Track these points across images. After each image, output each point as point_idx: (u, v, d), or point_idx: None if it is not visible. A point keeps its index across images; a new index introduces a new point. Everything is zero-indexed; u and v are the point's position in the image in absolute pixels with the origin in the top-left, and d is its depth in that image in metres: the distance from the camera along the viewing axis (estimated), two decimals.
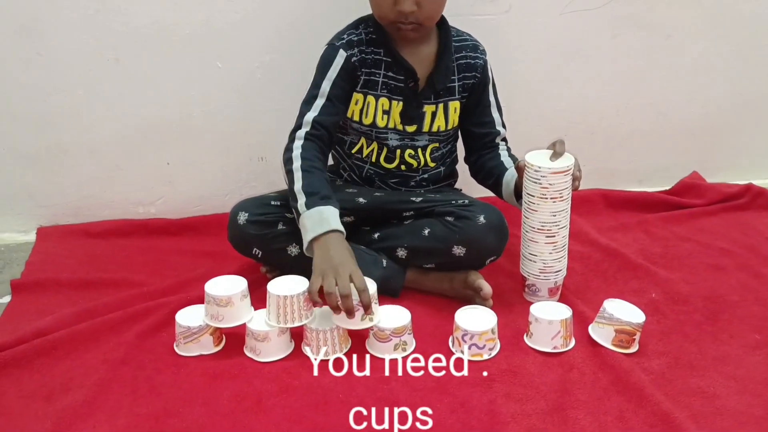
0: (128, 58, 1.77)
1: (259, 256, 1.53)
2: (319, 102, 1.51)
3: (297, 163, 1.45)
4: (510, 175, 1.57)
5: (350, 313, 1.31)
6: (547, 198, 1.43)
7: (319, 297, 1.31)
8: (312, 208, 1.39)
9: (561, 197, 1.44)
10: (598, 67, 2.01)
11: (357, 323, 1.35)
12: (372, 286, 1.37)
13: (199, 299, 1.42)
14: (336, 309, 1.31)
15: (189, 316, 1.39)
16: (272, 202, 1.52)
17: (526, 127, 1.94)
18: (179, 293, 1.55)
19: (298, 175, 1.44)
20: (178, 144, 1.88)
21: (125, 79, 1.79)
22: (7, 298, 1.58)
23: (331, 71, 1.52)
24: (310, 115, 1.50)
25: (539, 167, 1.42)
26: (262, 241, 1.50)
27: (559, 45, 1.97)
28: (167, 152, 1.89)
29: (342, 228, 1.39)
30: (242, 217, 1.49)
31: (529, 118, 1.99)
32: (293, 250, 1.50)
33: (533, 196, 1.45)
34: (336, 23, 1.77)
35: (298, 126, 1.51)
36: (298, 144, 1.48)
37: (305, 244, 1.39)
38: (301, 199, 1.41)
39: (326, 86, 1.51)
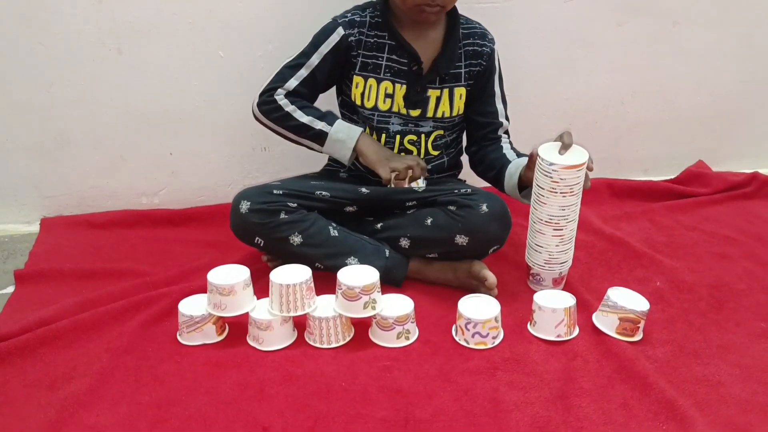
0: (130, 48, 1.77)
1: (261, 245, 1.52)
2: (303, 72, 1.55)
3: (290, 106, 1.54)
4: (514, 168, 1.56)
5: (419, 175, 1.54)
6: (557, 192, 1.42)
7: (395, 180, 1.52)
8: (335, 123, 1.54)
9: (571, 192, 1.42)
10: (603, 56, 2.00)
11: (360, 311, 1.35)
12: (374, 275, 1.37)
13: (202, 289, 1.43)
14: (404, 181, 1.53)
15: (192, 306, 1.39)
16: (275, 191, 1.51)
17: (531, 115, 1.93)
18: (182, 283, 1.55)
19: (298, 113, 1.54)
20: (181, 134, 1.88)
21: (128, 69, 1.79)
22: (10, 289, 1.58)
23: (324, 46, 1.55)
24: (293, 83, 1.55)
25: (552, 162, 1.39)
26: (265, 229, 1.49)
27: (565, 33, 1.95)
28: (170, 143, 1.89)
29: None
30: (245, 205, 1.49)
31: (534, 106, 1.98)
32: (295, 239, 1.49)
33: (543, 188, 1.43)
34: (338, 11, 1.77)
35: (275, 87, 1.55)
36: (280, 96, 1.55)
37: (349, 152, 1.53)
38: (318, 124, 1.53)
39: (315, 59, 1.55)
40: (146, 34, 1.76)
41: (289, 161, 1.92)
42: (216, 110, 1.87)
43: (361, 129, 1.54)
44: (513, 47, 1.85)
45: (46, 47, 1.74)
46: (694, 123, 2.13)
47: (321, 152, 1.57)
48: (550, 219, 1.45)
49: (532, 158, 1.46)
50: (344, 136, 1.53)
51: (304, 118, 1.54)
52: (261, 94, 1.57)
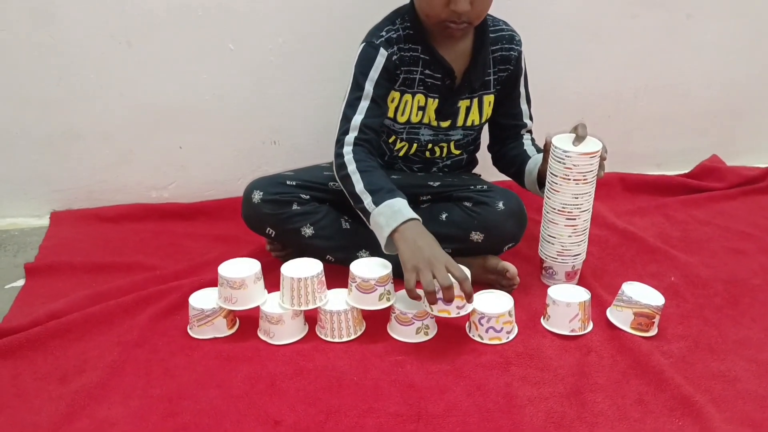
0: (140, 41, 1.76)
1: (273, 235, 1.51)
2: (364, 104, 1.45)
3: (352, 166, 1.40)
4: (533, 163, 1.55)
5: (450, 302, 1.27)
6: (570, 179, 1.41)
7: (416, 293, 1.28)
8: (381, 204, 1.35)
9: (585, 180, 1.41)
10: (616, 48, 1.98)
11: (375, 303, 1.34)
12: (388, 266, 1.36)
13: (213, 282, 1.42)
14: (434, 302, 1.28)
15: (202, 299, 1.38)
16: (288, 182, 1.50)
17: (543, 109, 1.90)
18: (192, 276, 1.55)
19: (356, 177, 1.39)
20: (190, 128, 1.87)
21: (137, 62, 1.78)
22: (21, 282, 1.58)
23: (372, 71, 1.45)
24: (358, 119, 1.44)
25: (567, 148, 1.39)
26: (276, 220, 1.48)
27: (577, 25, 1.93)
28: (180, 136, 1.88)
29: (418, 216, 1.35)
30: (257, 195, 1.48)
31: (545, 100, 1.94)
32: (307, 231, 1.48)
33: (556, 176, 1.43)
34: (349, 5, 1.76)
35: (344, 131, 1.44)
36: (348, 149, 1.42)
37: (383, 242, 1.34)
38: (367, 199, 1.37)
39: (369, 87, 1.45)
40: (156, 27, 1.75)
41: (298, 155, 1.91)
42: (226, 104, 1.86)
43: (408, 217, 1.33)
44: (524, 40, 1.82)
45: (55, 40, 1.73)
46: (707, 117, 2.11)
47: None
48: (563, 207, 1.44)
49: (546, 147, 1.45)
50: (384, 221, 1.33)
51: (358, 185, 1.38)
52: (335, 146, 1.45)
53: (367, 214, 1.37)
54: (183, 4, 1.74)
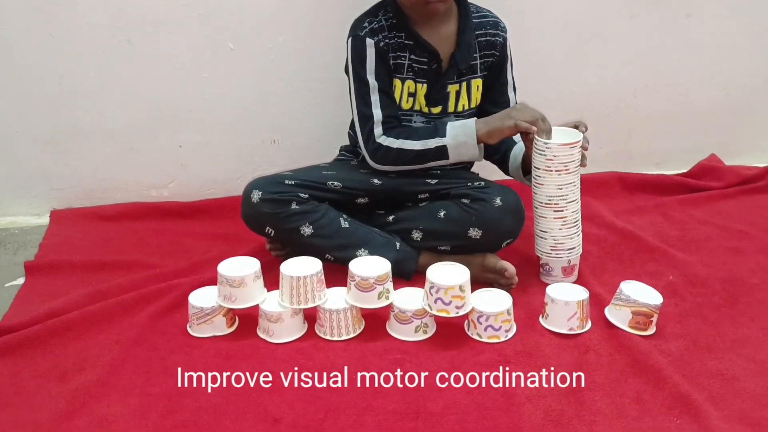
0: (141, 39, 1.77)
1: (272, 234, 1.52)
2: (375, 98, 1.51)
3: (397, 142, 1.50)
4: (518, 149, 1.57)
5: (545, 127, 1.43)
6: (552, 170, 1.43)
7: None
8: (446, 132, 1.49)
9: (566, 170, 1.43)
10: (616, 48, 1.98)
11: (374, 302, 1.35)
12: (386, 265, 1.37)
13: (212, 281, 1.42)
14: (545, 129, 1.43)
15: (202, 298, 1.39)
16: (286, 182, 1.51)
17: (543, 108, 1.90)
18: (192, 275, 1.55)
19: (408, 143, 1.50)
20: (190, 127, 1.88)
21: (138, 61, 1.78)
22: (21, 280, 1.58)
23: (369, 63, 1.50)
24: (378, 113, 1.51)
25: (546, 141, 1.42)
26: (275, 219, 1.49)
27: (576, 25, 1.94)
28: (180, 135, 1.89)
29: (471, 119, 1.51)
30: (256, 195, 1.48)
31: (545, 99, 1.95)
32: (306, 230, 1.49)
33: (539, 168, 1.45)
34: (349, 4, 1.76)
35: (370, 129, 1.51)
36: (381, 137, 1.51)
37: (476, 151, 1.49)
38: (432, 143, 1.49)
39: (372, 79, 1.50)
40: (156, 26, 1.76)
41: (298, 154, 1.92)
42: (226, 102, 1.86)
43: (472, 120, 1.49)
44: (524, 39, 1.83)
45: (56, 39, 1.74)
46: (706, 116, 2.11)
47: (451, 163, 1.52)
48: (550, 200, 1.46)
49: (529, 139, 1.47)
50: (463, 137, 1.47)
51: (416, 145, 1.49)
52: (365, 147, 1.52)
53: (444, 148, 1.48)
54: (183, 3, 1.74)
